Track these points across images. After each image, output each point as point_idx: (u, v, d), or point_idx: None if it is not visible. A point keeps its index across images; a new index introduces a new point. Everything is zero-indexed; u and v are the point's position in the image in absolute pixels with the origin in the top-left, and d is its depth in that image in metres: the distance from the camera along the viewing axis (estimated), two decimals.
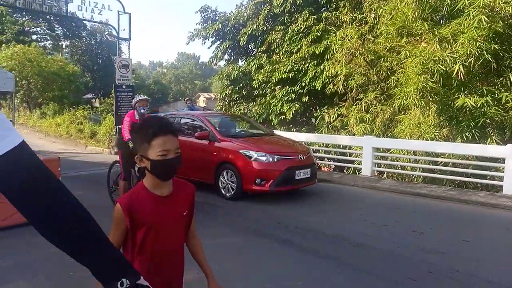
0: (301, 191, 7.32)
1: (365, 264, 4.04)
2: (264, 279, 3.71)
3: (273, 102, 13.48)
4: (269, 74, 13.62)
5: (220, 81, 16.35)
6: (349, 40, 10.76)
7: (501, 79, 8.13)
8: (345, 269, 3.93)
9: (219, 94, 17.30)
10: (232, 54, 16.51)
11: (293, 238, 4.79)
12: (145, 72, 68.82)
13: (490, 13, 7.48)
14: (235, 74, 14.90)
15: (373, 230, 5.16)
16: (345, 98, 11.65)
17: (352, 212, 6.18)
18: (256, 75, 14.05)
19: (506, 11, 7.41)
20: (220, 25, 15.29)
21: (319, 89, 12.37)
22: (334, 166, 12.73)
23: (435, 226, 5.37)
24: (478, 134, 8.34)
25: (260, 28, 14.22)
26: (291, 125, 13.94)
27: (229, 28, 15.43)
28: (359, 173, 9.41)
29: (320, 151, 11.40)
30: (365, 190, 7.69)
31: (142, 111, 5.70)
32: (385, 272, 3.86)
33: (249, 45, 15.79)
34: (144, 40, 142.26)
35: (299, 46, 12.92)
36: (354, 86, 10.85)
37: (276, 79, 13.23)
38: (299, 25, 12.90)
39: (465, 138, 8.30)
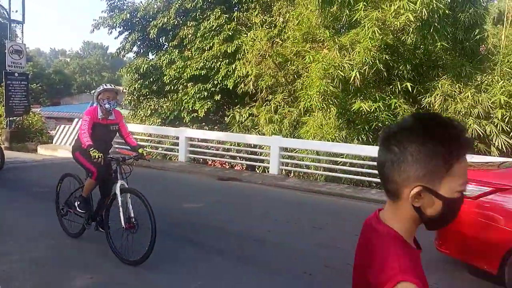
0: (209, 190, 7.31)
1: (265, 260, 4.18)
2: (169, 279, 3.61)
3: (185, 99, 13.25)
4: (181, 70, 13.33)
5: (128, 74, 15.55)
6: (259, 41, 11.03)
7: (391, 86, 9.05)
8: (246, 265, 4.03)
9: (127, 88, 16.45)
10: (142, 46, 15.80)
11: (197, 238, 4.76)
12: (45, 60, 62.51)
13: (382, 26, 8.26)
14: (144, 68, 14.28)
15: (276, 226, 5.36)
16: (255, 98, 11.92)
17: (258, 209, 6.34)
18: (168, 70, 13.65)
19: (395, 25, 8.25)
20: (128, 15, 14.51)
21: (231, 88, 12.49)
22: (245, 165, 12.97)
23: (332, 222, 5.77)
24: (372, 136, 9.18)
25: (171, 22, 13.83)
26: (204, 123, 13.86)
27: (138, 19, 14.73)
28: (268, 172, 9.72)
29: (232, 150, 11.50)
30: (271, 188, 7.96)
31: (107, 106, 4.21)
32: (284, 267, 4.03)
33: (160, 39, 15.26)
34: (46, 25, 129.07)
35: (211, 44, 12.89)
36: (264, 87, 11.16)
37: (188, 75, 13.02)
38: (211, 22, 12.85)
39: (361, 140, 9.08)
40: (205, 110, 12.67)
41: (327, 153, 9.22)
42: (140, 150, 4.31)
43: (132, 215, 3.93)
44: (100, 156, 3.88)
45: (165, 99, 14.57)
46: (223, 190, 7.65)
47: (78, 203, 4.40)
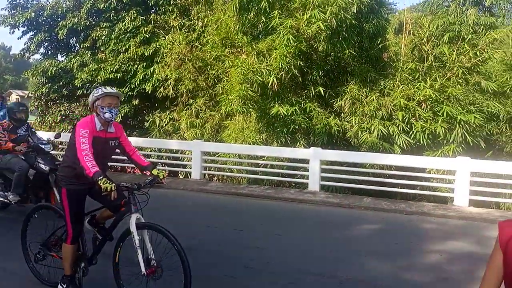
0: None
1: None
2: None
3: None
4: (94, 73, 12.59)
5: (34, 78, 14.28)
6: (178, 45, 10.88)
7: (306, 91, 9.52)
8: (169, 269, 3.91)
9: (33, 92, 15.08)
10: (50, 47, 14.65)
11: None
12: None
13: (296, 34, 8.66)
14: (53, 71, 13.25)
15: (198, 231, 5.31)
16: (176, 102, 11.72)
17: (179, 215, 6.23)
18: (80, 73, 12.81)
19: (308, 33, 8.71)
20: (33, 14, 13.34)
21: (150, 92, 12.12)
22: (167, 171, 12.63)
23: (253, 223, 5.88)
24: (290, 139, 9.57)
25: (82, 23, 13.01)
26: None
27: (44, 18, 13.61)
28: (190, 177, 9.59)
29: (152, 156, 11.14)
30: (194, 193, 7.88)
31: (108, 115, 3.12)
32: (205, 271, 4.00)
33: (70, 40, 14.28)
34: None
35: (127, 46, 12.39)
36: (185, 91, 11.03)
37: (103, 78, 12.33)
38: (127, 24, 12.35)
39: (280, 142, 9.41)
40: (122, 115, 12.12)
41: (249, 156, 9.39)
42: (155, 171, 3.32)
43: (152, 256, 3.09)
44: (113, 189, 2.83)
45: (77, 104, 13.64)
46: (143, 197, 7.37)
47: (64, 285, 3.30)
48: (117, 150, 3.50)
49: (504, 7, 11.08)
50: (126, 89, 12.37)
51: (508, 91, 9.73)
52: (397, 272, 4.21)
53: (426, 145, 8.44)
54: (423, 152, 8.49)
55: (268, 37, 9.26)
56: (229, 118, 10.21)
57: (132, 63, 12.26)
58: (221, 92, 10.00)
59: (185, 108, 11.26)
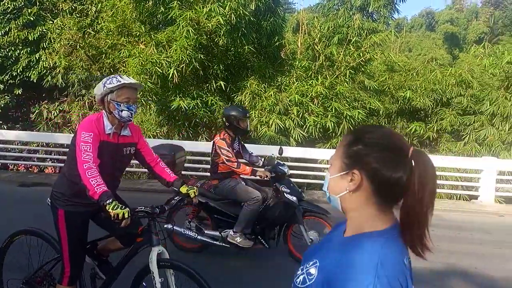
0: (8, 199, 6.25)
1: None
2: None
3: None
4: None
5: None
6: (68, 30, 9.99)
7: (207, 85, 9.53)
8: None
9: None
10: None
11: None
12: None
13: (196, 26, 8.59)
14: None
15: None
16: (66, 93, 10.78)
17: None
18: None
19: (208, 27, 8.70)
20: None
21: (35, 80, 10.95)
22: (58, 168, 11.62)
23: None
24: (192, 133, 9.51)
25: None
26: (1, 122, 11.75)
27: None
28: None
29: (40, 151, 10.15)
30: None
31: (125, 114, 2.37)
32: None
33: None
34: None
35: (7, 29, 10.98)
36: (76, 81, 10.20)
37: None
38: (6, 4, 10.94)
39: (181, 136, 9.28)
40: (2, 105, 10.76)
41: None
42: (183, 189, 2.58)
43: None
44: (126, 215, 2.11)
45: None
46: (26, 198, 6.66)
47: None
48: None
49: (383, 14, 12.40)
50: (7, 76, 11.04)
51: (386, 89, 10.99)
52: None
53: (318, 138, 9.11)
54: (315, 145, 9.15)
55: (168, 28, 9.03)
56: None
57: (13, 48, 10.93)
58: None
59: (77, 99, 10.43)
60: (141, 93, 8.62)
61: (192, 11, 8.43)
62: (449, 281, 4.04)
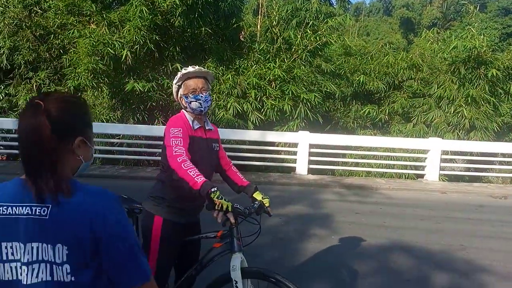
0: None
1: None
2: None
3: None
4: None
5: None
6: (12, 8, 9.35)
7: (163, 67, 9.31)
8: None
9: None
10: None
11: None
12: None
13: (151, 6, 8.32)
14: None
15: None
16: (12, 75, 10.14)
17: None
18: None
19: (163, 7, 8.45)
20: None
21: None
22: (5, 155, 11.06)
23: None
24: (147, 116, 9.30)
25: None
26: None
27: None
28: None
29: None
30: None
31: (194, 104, 2.20)
32: None
33: None
34: None
35: None
36: (23, 62, 9.62)
37: None
38: None
39: (136, 120, 9.06)
40: None
41: (102, 134, 8.82)
42: (258, 196, 2.37)
43: None
44: (230, 209, 1.93)
45: None
46: None
47: None
48: None
49: None
50: None
51: (342, 73, 11.23)
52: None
53: (276, 121, 9.21)
54: (273, 128, 9.25)
55: (121, 7, 8.68)
56: (79, 94, 9.33)
57: None
58: (67, 64, 9.03)
59: (24, 82, 9.85)
60: (92, 75, 8.30)
61: None
62: (392, 255, 4.30)
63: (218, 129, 2.47)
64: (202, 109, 2.21)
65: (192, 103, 2.19)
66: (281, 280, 1.99)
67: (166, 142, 2.09)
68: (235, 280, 1.99)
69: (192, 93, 2.19)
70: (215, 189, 1.90)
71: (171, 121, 2.20)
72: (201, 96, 2.19)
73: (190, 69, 2.22)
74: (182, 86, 2.25)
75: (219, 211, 1.90)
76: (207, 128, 2.31)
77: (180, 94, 2.25)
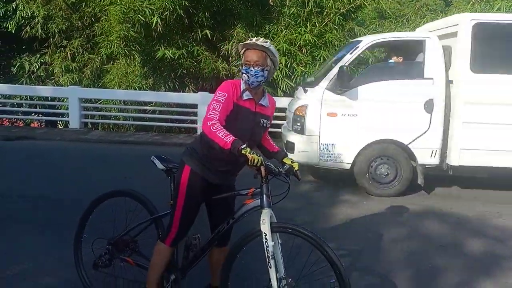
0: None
1: (63, 222, 3.84)
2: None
3: None
4: None
5: None
6: None
7: (192, 34, 9.24)
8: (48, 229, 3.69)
9: None
10: None
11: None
12: None
13: None
14: None
15: (70, 185, 4.97)
16: (47, 44, 10.41)
17: (56, 168, 5.80)
18: None
19: None
20: None
21: (13, 31, 10.53)
22: (44, 121, 11.56)
23: (138, 171, 5.73)
24: (178, 84, 9.37)
25: None
26: None
27: None
28: (69, 127, 8.88)
29: (24, 105, 10.01)
30: (72, 144, 7.35)
31: (245, 77, 2.19)
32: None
33: None
34: None
35: None
36: (56, 31, 9.82)
37: None
38: None
39: (167, 87, 9.15)
40: None
41: (135, 102, 9.01)
42: (287, 160, 2.36)
43: (284, 274, 2.11)
44: (262, 163, 2.01)
45: None
46: (12, 151, 6.65)
47: None
48: None
49: None
50: None
51: None
52: None
53: None
54: None
55: None
56: (111, 62, 9.49)
57: None
58: (100, 32, 9.13)
59: (59, 51, 10.08)
60: (124, 43, 8.37)
61: None
62: (425, 221, 4.24)
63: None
64: (249, 83, 2.18)
65: (243, 74, 2.19)
66: (311, 236, 2.05)
67: (209, 103, 2.14)
68: (264, 233, 2.08)
69: (246, 64, 2.18)
70: (245, 145, 1.96)
71: (223, 85, 2.22)
72: (251, 70, 2.16)
73: (252, 40, 2.20)
74: (244, 54, 2.23)
75: (251, 165, 1.97)
76: (260, 102, 2.28)
77: (242, 62, 2.24)
